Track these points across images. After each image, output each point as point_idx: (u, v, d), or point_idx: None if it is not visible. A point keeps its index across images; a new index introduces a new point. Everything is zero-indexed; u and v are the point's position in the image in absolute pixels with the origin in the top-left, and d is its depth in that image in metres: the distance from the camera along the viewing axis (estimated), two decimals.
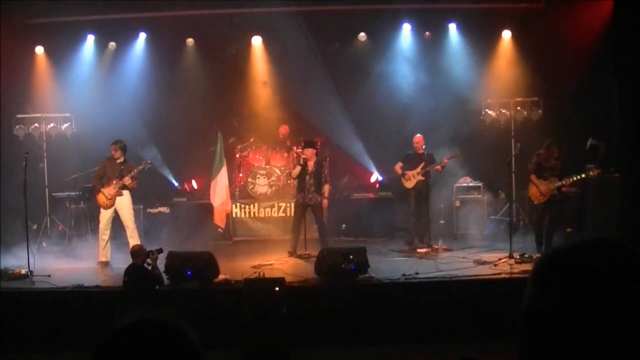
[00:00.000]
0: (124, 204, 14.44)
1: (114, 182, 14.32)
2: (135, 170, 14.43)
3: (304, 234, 15.12)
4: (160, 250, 11.59)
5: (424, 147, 15.61)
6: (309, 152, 15.13)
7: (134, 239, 14.16)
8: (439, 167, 15.40)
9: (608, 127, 15.47)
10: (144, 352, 1.81)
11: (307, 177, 14.99)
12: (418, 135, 15.82)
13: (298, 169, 15.13)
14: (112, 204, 14.41)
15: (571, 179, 13.51)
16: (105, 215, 14.45)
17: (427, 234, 15.35)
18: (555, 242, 13.39)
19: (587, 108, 16.33)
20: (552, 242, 13.55)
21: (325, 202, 15.30)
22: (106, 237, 14.35)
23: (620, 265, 1.70)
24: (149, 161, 14.99)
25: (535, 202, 14.02)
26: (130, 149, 15.38)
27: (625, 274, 1.69)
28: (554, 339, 1.68)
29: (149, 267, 11.30)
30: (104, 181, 14.50)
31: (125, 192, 14.48)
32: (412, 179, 15.63)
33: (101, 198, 14.44)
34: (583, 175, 13.59)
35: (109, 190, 14.35)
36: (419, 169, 15.50)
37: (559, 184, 13.47)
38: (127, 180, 14.33)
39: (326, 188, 15.23)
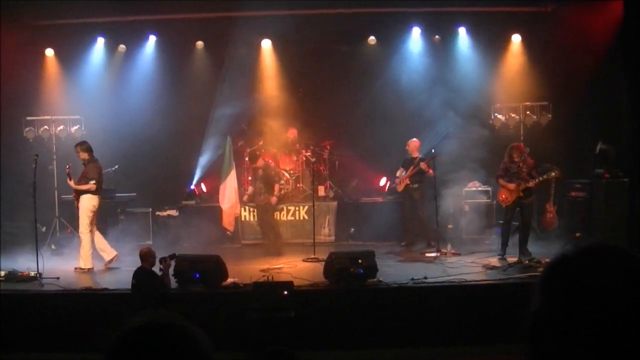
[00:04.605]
0: (81, 206, 14.21)
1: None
2: (92, 173, 14.16)
3: (312, 238, 15.23)
4: (173, 256, 11.43)
5: (418, 151, 15.83)
6: (261, 162, 16.19)
7: (81, 246, 13.98)
8: (417, 169, 15.73)
9: (618, 132, 15.42)
10: (155, 353, 1.82)
11: (257, 182, 16.23)
12: (413, 139, 15.99)
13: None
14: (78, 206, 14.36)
15: (534, 181, 13.88)
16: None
17: (428, 238, 15.76)
18: (551, 246, 13.42)
19: (597, 112, 16.28)
20: (526, 244, 13.92)
21: (274, 199, 16.10)
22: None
23: (624, 273, 1.69)
24: (115, 167, 14.86)
25: (503, 206, 14.32)
26: (137, 151, 15.44)
27: (630, 281, 1.68)
28: (561, 346, 1.68)
29: (160, 273, 11.15)
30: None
31: (84, 195, 14.15)
32: (401, 183, 15.86)
33: None
34: (545, 177, 13.90)
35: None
36: (407, 173, 15.71)
37: (524, 186, 13.79)
38: (71, 184, 14.28)
39: (276, 187, 16.19)
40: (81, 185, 14.12)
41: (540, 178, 13.85)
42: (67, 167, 14.40)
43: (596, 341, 1.63)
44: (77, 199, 14.26)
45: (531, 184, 13.81)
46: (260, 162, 16.10)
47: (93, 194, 14.11)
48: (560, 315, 1.69)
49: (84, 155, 14.32)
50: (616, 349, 1.62)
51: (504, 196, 14.10)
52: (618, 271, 1.70)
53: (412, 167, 15.76)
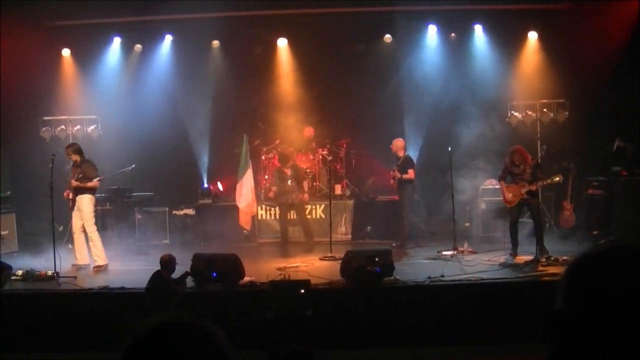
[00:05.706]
0: (81, 207, 14.15)
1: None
2: (91, 171, 14.19)
3: (329, 237, 15.23)
4: (186, 275, 11.30)
5: (403, 149, 16.17)
6: (291, 162, 16.75)
7: (93, 245, 14.07)
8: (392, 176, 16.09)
9: (635, 129, 15.34)
10: (174, 353, 1.82)
11: (289, 181, 16.34)
12: (397, 138, 16.18)
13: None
14: (74, 207, 14.30)
15: (540, 183, 13.92)
16: (73, 217, 14.42)
17: (405, 238, 15.94)
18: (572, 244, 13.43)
19: (614, 109, 16.21)
20: (542, 242, 13.76)
21: (306, 196, 16.50)
22: (79, 240, 14.29)
23: None
24: (132, 167, 15.59)
25: (508, 207, 14.30)
26: (154, 150, 15.46)
27: None
28: (580, 346, 1.67)
29: (174, 290, 10.93)
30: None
31: (84, 196, 14.13)
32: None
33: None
34: (548, 181, 13.94)
35: (68, 193, 14.43)
36: (393, 175, 16.12)
37: (527, 188, 13.76)
38: (73, 183, 14.22)
39: (305, 184, 16.69)
40: (85, 183, 14.13)
41: (543, 182, 13.92)
42: (66, 193, 14.47)
43: (615, 342, 1.62)
44: (73, 201, 14.27)
45: (534, 187, 13.83)
46: (290, 162, 16.52)
47: (91, 194, 14.18)
48: (580, 315, 1.68)
49: (76, 157, 14.34)
50: (635, 350, 1.61)
51: (508, 197, 14.11)
52: (637, 272, 1.68)
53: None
